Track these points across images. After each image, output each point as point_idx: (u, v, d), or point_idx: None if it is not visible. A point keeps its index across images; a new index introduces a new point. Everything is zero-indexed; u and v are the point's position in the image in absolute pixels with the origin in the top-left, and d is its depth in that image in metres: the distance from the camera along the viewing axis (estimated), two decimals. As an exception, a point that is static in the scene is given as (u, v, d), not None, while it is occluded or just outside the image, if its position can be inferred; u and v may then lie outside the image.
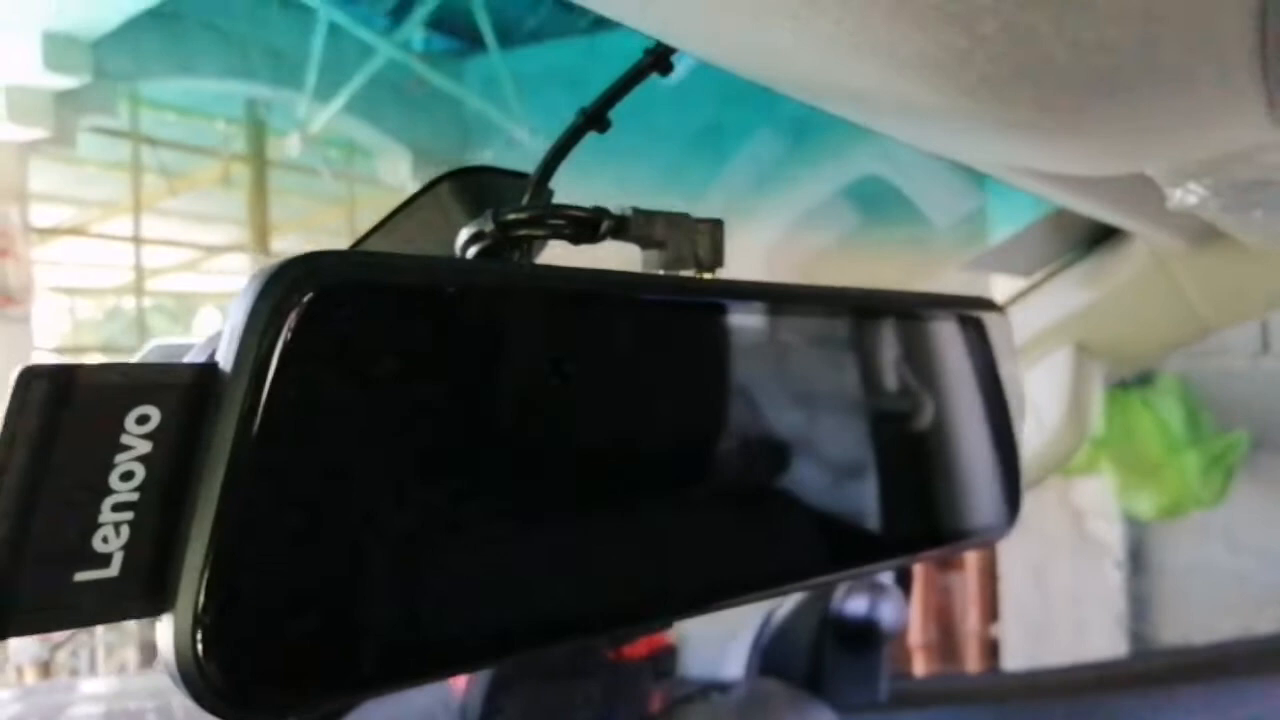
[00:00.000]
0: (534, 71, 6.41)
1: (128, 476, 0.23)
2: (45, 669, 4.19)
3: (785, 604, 1.30)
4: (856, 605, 1.27)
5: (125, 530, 0.23)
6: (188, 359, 0.27)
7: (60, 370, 0.23)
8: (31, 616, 0.23)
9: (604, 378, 0.31)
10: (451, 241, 0.39)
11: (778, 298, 0.37)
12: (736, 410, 0.35)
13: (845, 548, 0.40)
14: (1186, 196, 0.52)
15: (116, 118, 5.55)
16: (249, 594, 0.23)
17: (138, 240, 6.38)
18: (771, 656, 1.27)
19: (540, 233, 0.35)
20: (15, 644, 4.30)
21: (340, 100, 5.36)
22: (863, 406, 0.40)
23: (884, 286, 0.42)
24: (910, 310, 0.43)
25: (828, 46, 0.28)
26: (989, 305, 0.46)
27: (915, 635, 3.14)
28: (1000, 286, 1.10)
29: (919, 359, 0.43)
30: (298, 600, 0.24)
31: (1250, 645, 1.48)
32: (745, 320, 0.36)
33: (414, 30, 5.44)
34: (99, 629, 4.43)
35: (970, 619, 3.22)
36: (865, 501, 0.40)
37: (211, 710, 0.23)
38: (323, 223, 8.44)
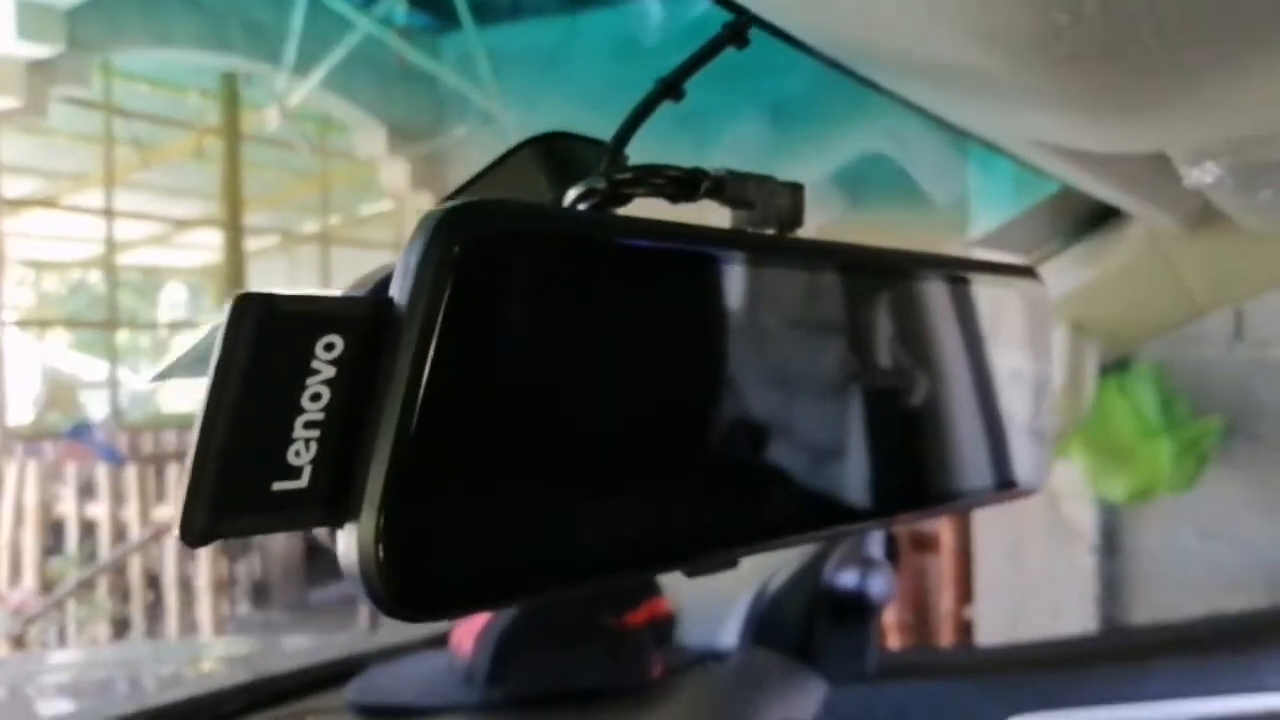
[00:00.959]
0: (512, 49, 6.39)
1: (316, 398, 0.25)
2: (18, 642, 4.17)
3: (777, 576, 1.31)
4: (847, 578, 1.29)
5: (314, 446, 0.25)
6: (347, 291, 0.30)
7: (267, 299, 0.25)
8: (240, 520, 0.25)
9: (719, 326, 0.33)
10: (530, 196, 0.41)
11: (856, 257, 0.39)
12: (822, 361, 0.37)
13: (901, 494, 0.41)
14: (1203, 175, 0.54)
15: (89, 88, 5.48)
16: (422, 509, 0.25)
17: (109, 213, 6.32)
18: (763, 627, 1.29)
19: (647, 191, 0.37)
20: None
21: (319, 74, 5.33)
22: (916, 362, 0.42)
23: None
24: (961, 274, 0.45)
25: (925, 16, 0.29)
26: (1029, 273, 0.48)
27: (890, 614, 3.19)
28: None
29: (968, 320, 0.45)
30: (462, 515, 0.26)
31: (1220, 623, 1.51)
32: (832, 278, 0.38)
33: (395, 5, 5.41)
34: (70, 605, 4.41)
35: (945, 600, 3.26)
36: (918, 452, 0.42)
37: (386, 611, 0.25)
38: (296, 196, 8.40)
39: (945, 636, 3.26)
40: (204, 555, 4.50)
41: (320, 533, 0.28)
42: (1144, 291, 0.97)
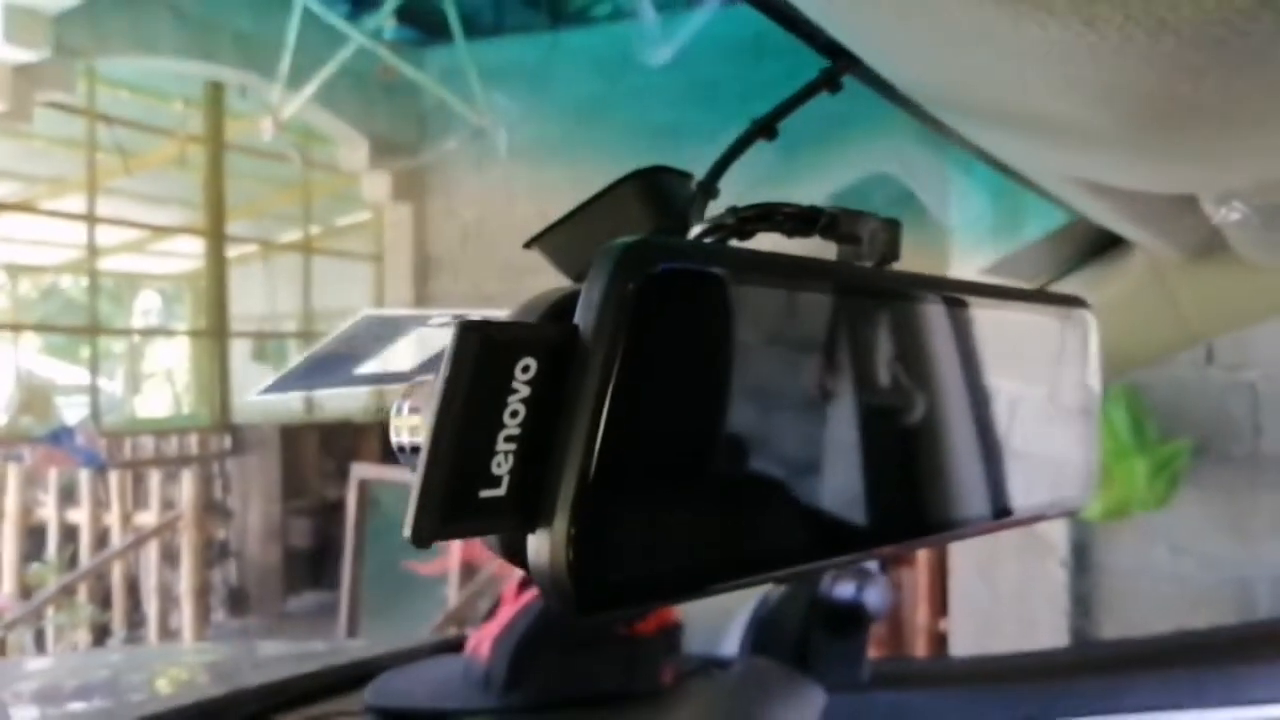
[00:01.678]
0: (494, 65, 6.43)
1: (514, 414, 0.28)
2: (-1, 647, 4.16)
3: (777, 588, 1.34)
4: (844, 589, 1.31)
5: (511, 459, 0.28)
6: (521, 318, 0.32)
7: (484, 324, 0.28)
8: (456, 524, 0.28)
9: (846, 352, 0.37)
10: (632, 231, 0.45)
11: (937, 286, 0.43)
12: (915, 383, 0.41)
13: (977, 508, 0.45)
14: (1230, 213, 0.59)
15: (73, 94, 5.47)
16: (605, 517, 0.29)
17: (90, 218, 6.30)
18: (763, 636, 1.32)
19: (768, 227, 0.41)
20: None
21: (312, 87, 5.35)
22: (984, 385, 0.46)
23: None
24: (1020, 302, 0.49)
25: (1049, 74, 0.34)
26: (1080, 303, 0.52)
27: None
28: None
29: (1026, 346, 0.49)
30: (637, 523, 0.30)
31: (1200, 638, 1.55)
32: (922, 308, 0.42)
33: (385, 19, 5.44)
34: (50, 611, 4.39)
35: (920, 613, 3.32)
36: (983, 469, 0.46)
37: (569, 607, 0.28)
38: (275, 207, 8.39)
39: (919, 649, 3.32)
40: (186, 562, 4.50)
41: (490, 541, 0.31)
42: (1143, 319, 1.00)
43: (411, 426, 0.35)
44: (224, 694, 1.11)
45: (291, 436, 6.61)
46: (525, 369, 0.29)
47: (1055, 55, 0.32)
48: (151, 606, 4.60)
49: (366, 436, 6.99)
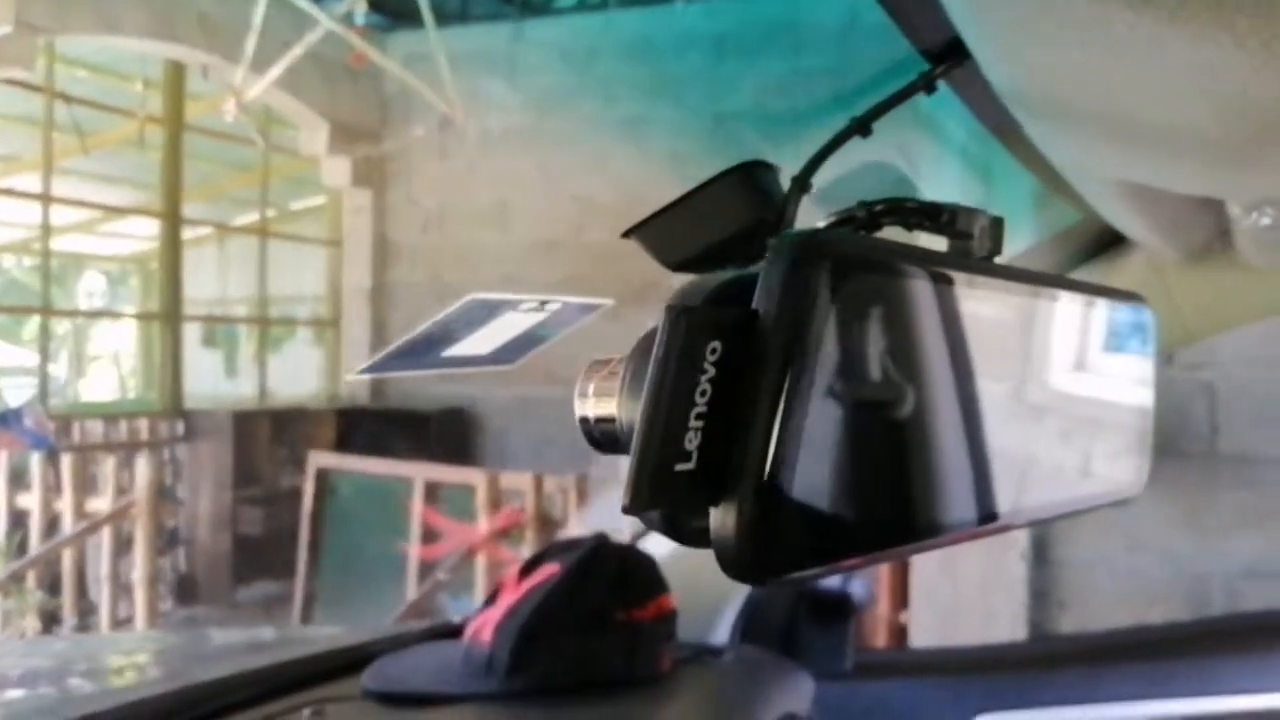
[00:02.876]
0: (460, 53, 6.40)
1: (703, 393, 0.30)
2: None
3: None
4: (829, 580, 1.34)
5: (699, 435, 0.30)
6: (690, 302, 0.34)
7: (690, 311, 0.30)
8: (658, 496, 0.30)
9: (984, 337, 0.39)
10: (733, 222, 0.46)
11: (1025, 277, 0.45)
12: (1028, 370, 0.44)
13: (1060, 492, 0.47)
14: (1261, 218, 0.61)
15: (32, 71, 5.37)
16: (783, 491, 0.30)
17: (45, 198, 6.18)
18: (753, 625, 1.34)
19: (896, 220, 0.43)
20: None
21: (278, 69, 5.29)
22: (1061, 375, 0.48)
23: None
24: (1088, 295, 0.51)
25: (1163, 82, 0.36)
26: (1139, 298, 0.54)
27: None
28: None
29: (1090, 337, 0.51)
30: (813, 498, 0.31)
31: (1176, 630, 1.59)
32: (1018, 298, 0.44)
33: (357, 3, 5.39)
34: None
35: (881, 604, 3.36)
36: (1050, 457, 0.47)
37: (743, 572, 0.30)
38: (231, 190, 8.28)
39: (879, 640, 3.36)
40: (139, 549, 4.44)
41: (650, 516, 0.33)
42: None
43: (601, 404, 0.37)
44: (221, 678, 1.11)
45: (244, 423, 6.54)
46: (713, 350, 0.30)
47: (1217, 73, 0.34)
48: (103, 594, 4.54)
49: (320, 424, 6.93)
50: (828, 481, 0.32)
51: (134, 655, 1.57)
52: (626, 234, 0.47)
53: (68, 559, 4.66)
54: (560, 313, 0.63)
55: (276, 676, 1.13)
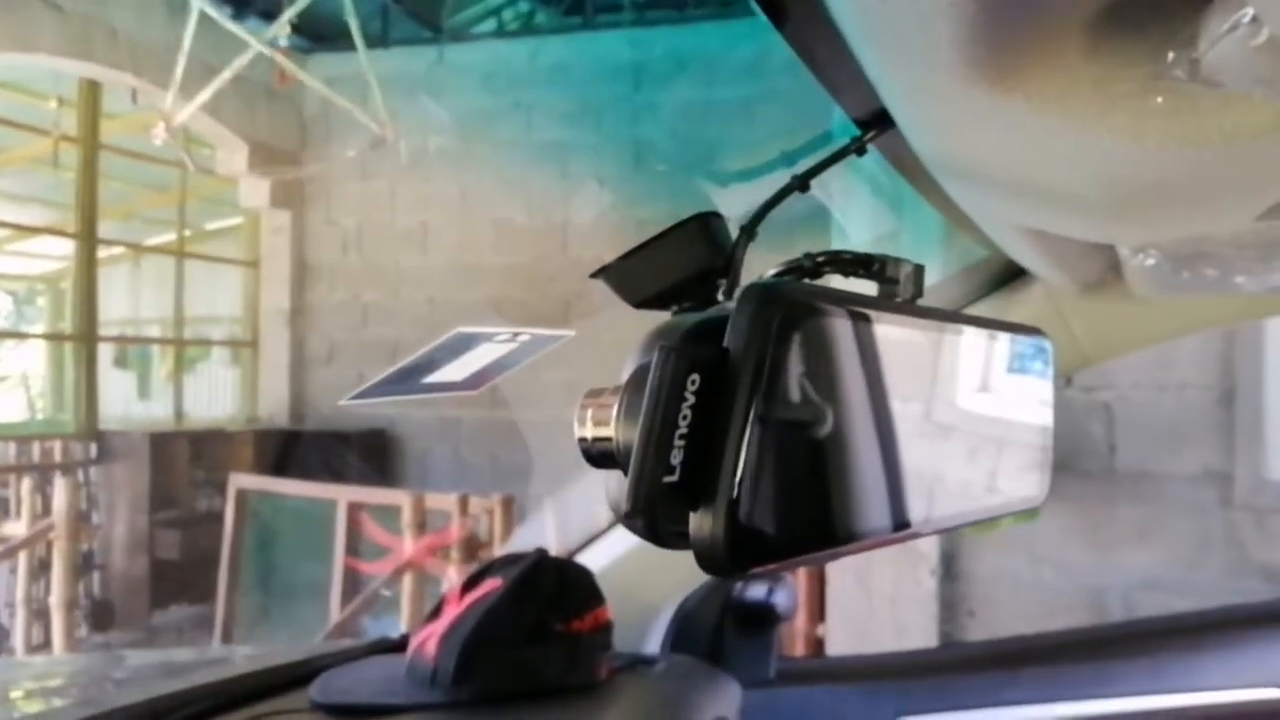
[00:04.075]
0: (383, 75, 6.41)
1: (685, 418, 0.37)
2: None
3: (697, 590, 1.41)
4: (756, 591, 1.39)
5: (682, 452, 0.36)
6: (664, 341, 0.40)
7: (679, 349, 0.37)
8: (651, 505, 0.36)
9: (906, 369, 0.47)
10: (689, 266, 0.53)
11: (945, 318, 0.52)
12: (920, 396, 0.50)
13: (953, 505, 0.53)
14: (1145, 259, 0.70)
15: (-59, 89, 5.26)
16: (754, 499, 0.37)
17: (-51, 217, 6.04)
18: (682, 635, 1.39)
19: (835, 269, 0.51)
20: None
21: (207, 93, 5.26)
22: (975, 398, 0.55)
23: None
24: (991, 329, 0.58)
25: (1057, 163, 0.44)
26: (1038, 331, 0.62)
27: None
28: None
29: (995, 365, 0.58)
30: (776, 502, 0.38)
31: (1079, 635, 1.67)
32: (930, 335, 0.51)
33: (282, 27, 5.38)
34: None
35: (799, 618, 3.44)
36: (961, 470, 0.54)
37: (721, 569, 0.37)
38: (145, 209, 8.15)
39: (797, 652, 3.44)
40: (57, 573, 4.36)
41: (636, 526, 0.39)
42: None
43: (599, 428, 0.43)
44: (167, 693, 1.11)
45: (161, 445, 6.43)
46: (694, 382, 0.37)
47: (1098, 155, 0.42)
48: (18, 620, 4.44)
49: (238, 446, 6.84)
50: (788, 491, 0.39)
51: (45, 679, 1.54)
52: (595, 275, 0.54)
53: (-20, 585, 4.56)
54: (529, 343, 0.69)
55: (223, 691, 1.15)
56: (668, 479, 0.37)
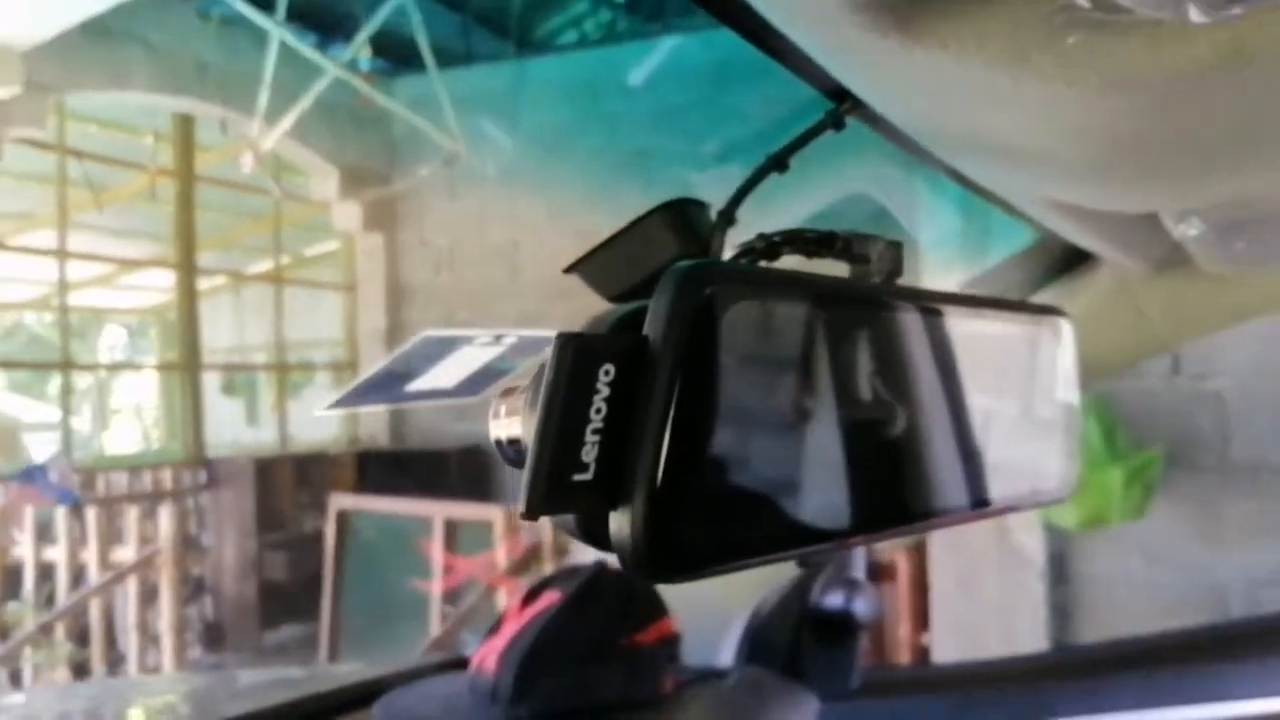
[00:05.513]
0: (464, 93, 6.48)
1: (598, 411, 0.33)
2: (-23, 687, 4.12)
3: (769, 599, 1.37)
4: (834, 599, 1.34)
5: (596, 448, 0.33)
6: (594, 330, 0.38)
7: (577, 336, 0.34)
8: (552, 503, 0.33)
9: (866, 356, 0.42)
10: (661, 256, 0.49)
11: (935, 299, 0.47)
12: (914, 383, 0.45)
13: (968, 496, 0.49)
14: (1188, 229, 0.64)
15: (44, 129, 5.48)
16: (674, 497, 0.33)
17: (60, 254, 6.28)
18: (756, 646, 1.35)
19: (794, 250, 0.46)
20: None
21: (289, 119, 5.39)
22: (973, 386, 0.50)
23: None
24: (1004, 312, 0.54)
25: (1008, 116, 0.39)
26: (1058, 312, 0.57)
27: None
28: None
29: (1011, 351, 0.54)
30: (701, 502, 0.34)
31: (1172, 639, 1.59)
32: (920, 318, 0.46)
33: (359, 50, 5.49)
34: (27, 651, 4.36)
35: (902, 627, 3.36)
36: (980, 462, 0.50)
37: (646, 573, 0.34)
38: (244, 238, 8.39)
39: (903, 661, 3.36)
40: (165, 598, 4.48)
41: (563, 522, 0.36)
42: (1113, 330, 1.05)
43: (509, 425, 0.40)
44: (241, 714, 1.13)
45: (266, 469, 6.59)
46: (606, 373, 0.34)
47: (1044, 105, 0.37)
48: (130, 643, 4.57)
49: (341, 467, 6.98)
50: (718, 488, 0.35)
51: (164, 696, 1.60)
52: (567, 270, 0.50)
53: (95, 610, 4.70)
54: (518, 346, 0.66)
55: (293, 711, 1.16)
56: (579, 477, 0.33)
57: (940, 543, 3.25)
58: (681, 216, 0.50)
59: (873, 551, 3.45)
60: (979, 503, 0.49)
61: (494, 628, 1.20)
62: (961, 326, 0.49)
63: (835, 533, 0.40)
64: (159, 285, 8.60)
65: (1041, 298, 1.12)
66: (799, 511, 0.39)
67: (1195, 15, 0.28)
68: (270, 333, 7.98)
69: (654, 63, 5.92)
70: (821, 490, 0.40)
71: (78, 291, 8.20)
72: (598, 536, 0.35)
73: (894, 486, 0.44)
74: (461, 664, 1.27)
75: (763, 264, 0.46)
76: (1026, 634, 3.11)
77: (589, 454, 0.33)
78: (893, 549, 3.31)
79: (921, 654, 3.33)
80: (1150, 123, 0.38)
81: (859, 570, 1.37)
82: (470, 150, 6.11)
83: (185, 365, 6.92)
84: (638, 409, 0.34)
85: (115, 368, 10.72)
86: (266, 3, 5.22)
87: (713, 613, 1.37)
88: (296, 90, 5.49)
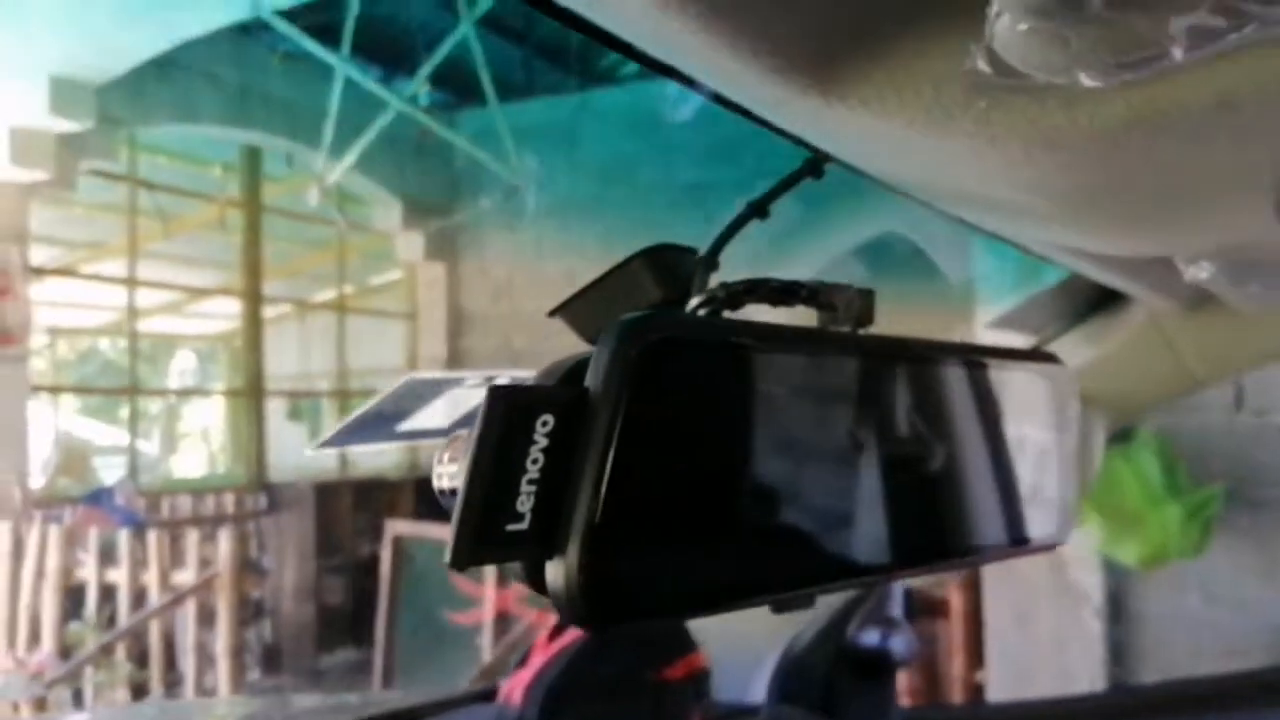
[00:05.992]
0: (525, 125, 6.56)
1: (535, 461, 0.34)
2: (39, 705, 4.21)
3: (803, 635, 1.36)
4: (869, 637, 1.33)
5: (532, 498, 0.33)
6: (541, 381, 0.38)
7: (510, 389, 0.34)
8: (488, 552, 0.34)
9: (820, 406, 0.42)
10: (642, 301, 0.49)
11: (910, 348, 0.47)
12: (887, 433, 0.45)
13: (939, 545, 0.49)
14: (1199, 272, 0.63)
15: (115, 161, 5.64)
16: (610, 547, 0.34)
17: (130, 282, 6.44)
18: (790, 684, 1.33)
19: (756, 299, 0.46)
20: (6, 682, 4.31)
21: (354, 153, 5.50)
22: (962, 434, 0.50)
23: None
24: (992, 360, 0.53)
25: (992, 175, 0.39)
26: (1054, 359, 0.56)
27: (901, 680, 3.22)
28: (1011, 344, 1.19)
29: (999, 397, 0.53)
30: (638, 552, 0.35)
31: (1227, 681, 1.55)
32: (896, 367, 0.46)
33: (420, 85, 5.59)
34: (88, 670, 4.45)
35: (956, 664, 3.31)
36: (969, 508, 0.50)
37: (579, 621, 0.34)
38: (310, 267, 8.54)
39: (956, 700, 3.30)
40: (222, 620, 4.55)
41: (512, 569, 0.36)
42: (1146, 368, 1.04)
43: (450, 474, 0.40)
44: None
45: (326, 494, 6.67)
46: (544, 424, 0.34)
47: (975, 161, 0.37)
48: (188, 665, 4.65)
49: (400, 493, 7.05)
50: (655, 540, 0.35)
51: (222, 719, 1.64)
52: (552, 313, 0.51)
53: (155, 632, 4.79)
54: None
55: None
56: (513, 526, 0.33)
57: (994, 577, 3.19)
58: (662, 261, 0.51)
59: (922, 586, 3.40)
60: (955, 553, 0.49)
61: (522, 660, 1.20)
62: (933, 374, 0.48)
63: (783, 584, 0.40)
64: (227, 313, 8.78)
65: (1074, 335, 1.10)
66: (745, 562, 0.38)
67: (1087, 80, 0.28)
68: (334, 359, 8.10)
69: (697, 100, 5.95)
70: (768, 540, 0.39)
71: (149, 318, 8.40)
72: (541, 585, 0.35)
73: (850, 537, 0.43)
74: (490, 695, 1.27)
75: (727, 313, 0.46)
76: (1082, 673, 3.04)
77: (525, 504, 0.33)
78: (945, 583, 3.27)
79: (976, 692, 3.27)
80: (1084, 178, 0.38)
81: (896, 608, 1.35)
82: (529, 183, 6.18)
83: (250, 391, 7.05)
84: (575, 459, 0.34)
85: (182, 393, 10.94)
86: (332, 38, 5.34)
87: (744, 648, 1.36)
88: (361, 123, 5.60)
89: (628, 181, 6.50)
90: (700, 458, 0.37)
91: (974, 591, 3.26)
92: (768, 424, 0.39)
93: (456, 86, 6.54)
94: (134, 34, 4.67)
